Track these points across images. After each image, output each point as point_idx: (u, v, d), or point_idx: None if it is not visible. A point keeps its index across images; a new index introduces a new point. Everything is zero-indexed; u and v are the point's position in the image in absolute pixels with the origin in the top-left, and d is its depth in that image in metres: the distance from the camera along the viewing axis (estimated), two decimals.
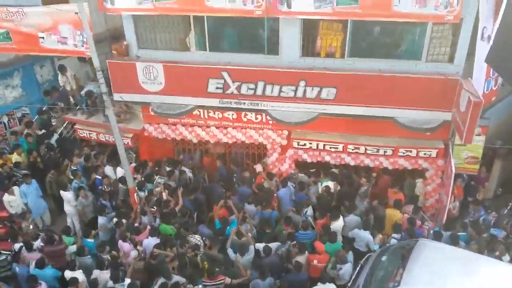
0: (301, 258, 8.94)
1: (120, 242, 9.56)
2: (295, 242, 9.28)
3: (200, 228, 9.99)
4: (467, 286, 7.85)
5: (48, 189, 11.65)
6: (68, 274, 8.85)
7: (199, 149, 12.42)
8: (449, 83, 9.57)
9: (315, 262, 8.87)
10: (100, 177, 11.37)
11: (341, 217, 9.76)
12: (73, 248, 9.64)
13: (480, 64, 8.71)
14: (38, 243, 9.76)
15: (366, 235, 9.52)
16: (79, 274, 8.79)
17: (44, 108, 13.24)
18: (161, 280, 8.45)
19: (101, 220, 10.31)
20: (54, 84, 13.89)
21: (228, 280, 8.47)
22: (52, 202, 11.92)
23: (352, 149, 10.75)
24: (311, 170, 11.36)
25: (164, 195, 10.58)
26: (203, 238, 9.61)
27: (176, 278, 8.48)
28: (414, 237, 9.24)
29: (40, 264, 8.92)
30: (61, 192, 11.02)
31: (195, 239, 9.48)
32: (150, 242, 9.44)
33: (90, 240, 9.87)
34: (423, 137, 10.27)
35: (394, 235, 9.51)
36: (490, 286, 7.87)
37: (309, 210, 10.23)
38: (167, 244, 9.31)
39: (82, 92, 12.53)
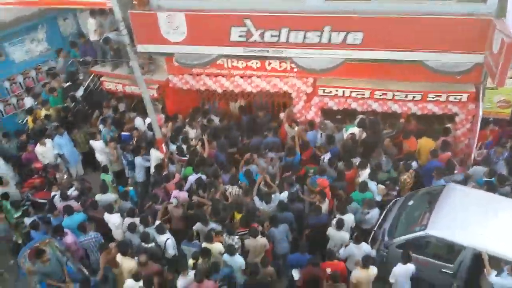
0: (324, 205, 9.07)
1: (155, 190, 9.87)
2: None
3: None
4: (494, 229, 7.90)
5: (78, 146, 11.91)
6: (106, 217, 9.28)
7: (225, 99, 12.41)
8: (481, 23, 9.13)
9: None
10: (127, 133, 11.56)
11: (368, 166, 9.75)
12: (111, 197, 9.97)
13: None
14: (71, 191, 10.19)
15: (372, 185, 9.42)
16: (116, 218, 9.20)
17: (70, 61, 13.40)
18: (198, 225, 8.74)
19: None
20: (78, 37, 13.95)
21: (260, 228, 8.69)
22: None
23: (380, 95, 10.57)
24: (337, 117, 11.27)
25: (199, 148, 10.74)
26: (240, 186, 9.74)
27: (213, 225, 8.76)
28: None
29: (67, 210, 9.35)
30: (91, 141, 11.31)
31: (232, 189, 9.66)
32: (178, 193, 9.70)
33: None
34: (453, 81, 9.97)
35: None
36: None
37: (327, 156, 10.28)
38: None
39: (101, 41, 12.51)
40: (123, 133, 11.65)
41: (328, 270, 7.88)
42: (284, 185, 9.58)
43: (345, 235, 8.56)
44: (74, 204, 9.74)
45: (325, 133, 10.92)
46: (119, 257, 8.42)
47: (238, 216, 9.05)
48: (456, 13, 9.31)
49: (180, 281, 7.92)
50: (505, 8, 8.69)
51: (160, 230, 8.66)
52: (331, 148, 10.49)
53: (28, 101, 13.10)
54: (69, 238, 9.05)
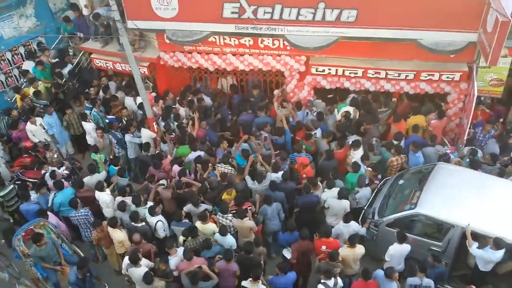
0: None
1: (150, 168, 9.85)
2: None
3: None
4: (483, 208, 7.98)
5: (71, 128, 11.77)
6: (97, 194, 9.27)
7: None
8: (475, 2, 9.04)
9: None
10: (112, 117, 11.48)
11: (361, 146, 9.73)
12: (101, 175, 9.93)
13: None
14: (62, 170, 10.13)
15: (361, 168, 9.35)
16: (106, 196, 9.19)
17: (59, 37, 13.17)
18: (189, 206, 8.76)
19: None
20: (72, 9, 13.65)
21: (253, 208, 8.73)
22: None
23: (373, 74, 10.49)
24: (328, 96, 11.21)
25: (189, 128, 10.67)
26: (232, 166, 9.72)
27: (204, 206, 8.78)
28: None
29: (58, 186, 9.35)
30: (83, 122, 11.21)
31: (223, 167, 9.63)
32: (174, 169, 9.71)
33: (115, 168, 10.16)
34: (447, 59, 9.91)
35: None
36: (505, 206, 7.97)
37: (318, 132, 10.30)
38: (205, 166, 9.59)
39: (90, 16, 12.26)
40: (108, 116, 11.46)
41: (323, 248, 7.93)
42: (277, 161, 9.55)
43: (346, 203, 8.64)
44: (64, 183, 9.68)
45: (312, 111, 10.88)
46: (109, 230, 8.55)
47: (226, 197, 9.02)
48: None
49: (172, 261, 7.96)
50: None
51: (152, 212, 8.65)
52: (320, 124, 10.50)
53: (28, 65, 12.84)
54: (52, 219, 9.05)
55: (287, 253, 8.33)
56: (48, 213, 9.08)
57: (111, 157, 10.82)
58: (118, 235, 8.51)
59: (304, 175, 9.35)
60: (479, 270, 7.73)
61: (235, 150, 10.17)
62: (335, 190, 8.71)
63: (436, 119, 10.21)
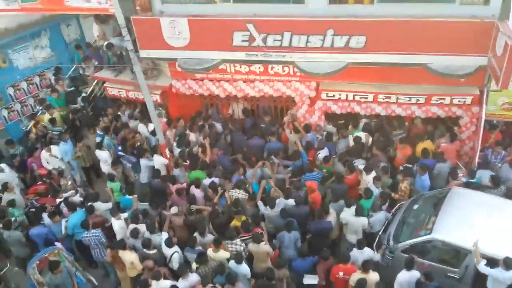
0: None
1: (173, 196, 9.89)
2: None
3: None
4: (499, 233, 7.85)
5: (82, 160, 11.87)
6: (112, 221, 9.38)
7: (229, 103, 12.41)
8: (484, 26, 9.12)
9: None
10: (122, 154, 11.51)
11: (373, 170, 9.70)
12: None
13: None
14: (77, 198, 10.21)
15: (374, 191, 9.33)
16: (118, 222, 9.25)
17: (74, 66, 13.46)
18: (196, 235, 8.76)
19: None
20: (81, 43, 14.01)
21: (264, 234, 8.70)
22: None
23: (383, 99, 10.52)
24: (340, 122, 11.25)
25: (200, 155, 10.76)
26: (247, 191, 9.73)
27: (210, 236, 8.78)
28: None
29: (70, 207, 9.62)
30: (97, 151, 11.32)
31: (237, 193, 9.64)
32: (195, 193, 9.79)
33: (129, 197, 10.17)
34: (457, 83, 9.92)
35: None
36: None
37: (322, 153, 10.36)
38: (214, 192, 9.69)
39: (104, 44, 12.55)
40: (118, 146, 11.57)
41: (341, 274, 7.86)
42: (290, 189, 9.54)
43: (364, 220, 8.71)
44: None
45: (322, 135, 10.94)
46: (120, 252, 8.61)
47: (236, 223, 8.99)
48: (460, 16, 9.31)
49: (180, 284, 7.92)
50: (508, 11, 8.66)
51: (169, 243, 8.63)
52: (328, 144, 10.61)
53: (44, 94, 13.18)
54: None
55: (310, 280, 8.26)
56: (56, 243, 9.12)
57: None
58: (129, 256, 8.56)
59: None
60: None
61: (251, 176, 10.12)
62: (353, 209, 8.76)
63: (446, 143, 10.13)
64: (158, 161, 10.73)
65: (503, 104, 10.15)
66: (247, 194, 9.60)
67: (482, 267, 7.44)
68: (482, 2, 9.24)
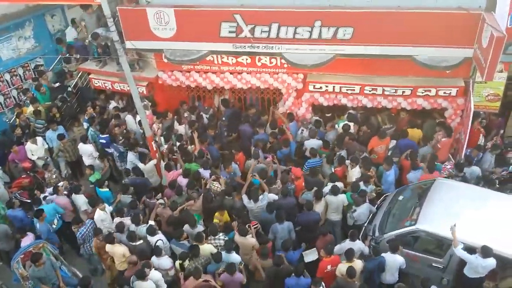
0: (316, 206, 9.04)
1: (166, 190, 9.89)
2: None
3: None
4: (483, 223, 7.94)
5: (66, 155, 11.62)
6: (97, 213, 9.27)
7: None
8: (471, 18, 9.16)
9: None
10: (106, 136, 11.30)
11: (357, 165, 9.71)
12: None
13: None
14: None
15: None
16: (102, 214, 9.18)
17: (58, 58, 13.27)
18: (186, 227, 8.76)
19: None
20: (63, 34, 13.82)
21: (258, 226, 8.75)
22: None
23: (370, 91, 10.56)
24: (327, 115, 11.27)
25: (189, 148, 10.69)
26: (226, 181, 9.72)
27: (200, 227, 8.76)
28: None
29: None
30: (80, 145, 11.11)
31: (216, 186, 9.64)
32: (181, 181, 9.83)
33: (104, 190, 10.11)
34: (443, 75, 9.99)
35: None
36: (505, 221, 7.95)
37: (313, 142, 10.53)
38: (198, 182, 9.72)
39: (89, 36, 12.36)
40: (102, 136, 11.33)
41: (329, 267, 7.90)
42: (279, 183, 9.53)
43: (343, 197, 9.00)
44: (64, 200, 9.77)
45: (307, 128, 10.97)
46: (108, 247, 8.53)
47: (218, 216, 8.98)
48: (446, 8, 9.33)
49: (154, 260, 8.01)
50: (495, 2, 8.70)
51: (151, 232, 8.59)
52: (319, 132, 10.75)
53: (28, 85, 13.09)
54: (28, 239, 9.08)
55: (310, 257, 8.38)
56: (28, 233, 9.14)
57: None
58: (119, 249, 8.49)
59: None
60: (468, 278, 7.66)
61: (248, 175, 9.91)
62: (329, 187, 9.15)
63: (445, 137, 10.11)
64: (147, 168, 10.55)
65: (488, 95, 10.25)
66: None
67: (459, 251, 7.51)
68: None
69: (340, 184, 9.37)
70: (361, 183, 9.21)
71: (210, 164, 10.17)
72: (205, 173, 9.94)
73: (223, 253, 8.10)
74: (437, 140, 10.14)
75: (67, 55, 13.29)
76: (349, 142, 10.32)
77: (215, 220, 9.03)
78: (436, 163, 9.68)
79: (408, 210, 8.62)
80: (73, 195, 9.86)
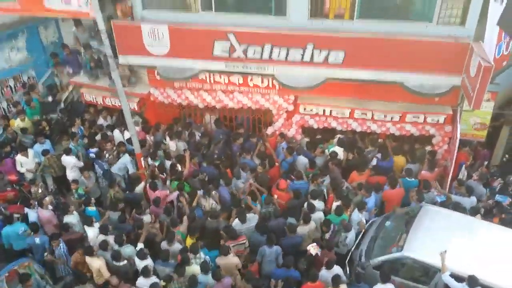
0: (303, 229, 9.01)
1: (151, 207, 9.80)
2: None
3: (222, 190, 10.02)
4: (469, 251, 7.95)
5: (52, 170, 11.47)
6: (86, 229, 9.23)
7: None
8: (460, 46, 9.34)
9: None
10: (93, 150, 11.25)
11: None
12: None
13: (492, 27, 8.47)
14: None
15: (355, 216, 9.25)
16: (92, 232, 9.07)
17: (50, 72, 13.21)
18: (163, 244, 8.67)
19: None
20: (59, 46, 13.74)
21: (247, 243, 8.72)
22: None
23: (359, 115, 10.66)
24: (317, 137, 11.32)
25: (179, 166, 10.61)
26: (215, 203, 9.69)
27: (177, 245, 8.66)
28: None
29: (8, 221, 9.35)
30: (62, 157, 10.97)
31: (210, 204, 9.59)
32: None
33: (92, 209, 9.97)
34: (431, 102, 10.12)
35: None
36: (491, 250, 7.98)
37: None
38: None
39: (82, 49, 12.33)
40: (91, 150, 11.26)
41: None
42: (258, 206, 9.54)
43: (319, 214, 9.21)
44: (48, 214, 9.64)
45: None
46: (87, 259, 8.49)
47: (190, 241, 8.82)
48: (436, 36, 9.50)
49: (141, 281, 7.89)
50: (483, 32, 8.87)
51: (141, 256, 8.44)
52: (306, 152, 10.80)
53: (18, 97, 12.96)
54: None
55: (312, 250, 8.50)
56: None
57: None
58: (96, 262, 8.42)
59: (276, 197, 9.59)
60: None
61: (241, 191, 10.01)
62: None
63: (426, 170, 10.16)
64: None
65: (475, 124, 10.39)
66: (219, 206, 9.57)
67: (447, 277, 7.50)
68: (458, 23, 9.48)
69: (319, 204, 9.38)
70: (356, 210, 9.19)
71: (206, 183, 10.10)
72: (200, 192, 9.88)
73: (201, 276, 7.99)
74: (419, 170, 10.24)
75: (52, 62, 13.26)
76: (333, 168, 10.32)
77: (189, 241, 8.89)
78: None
79: (395, 236, 8.61)
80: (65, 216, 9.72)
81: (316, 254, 8.56)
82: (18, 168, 11.12)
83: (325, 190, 10.00)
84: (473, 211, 9.01)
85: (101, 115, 12.53)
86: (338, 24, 9.97)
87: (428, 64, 9.67)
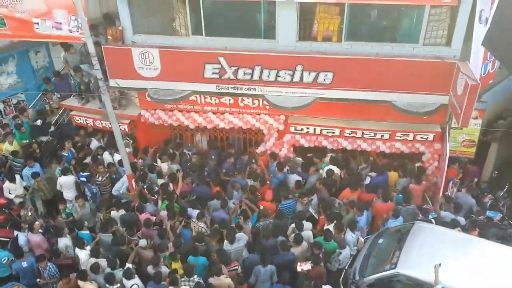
0: (296, 249, 8.94)
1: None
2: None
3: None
4: (462, 268, 7.96)
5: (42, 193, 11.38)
6: (77, 251, 9.10)
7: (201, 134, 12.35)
8: (446, 66, 9.55)
9: None
10: (85, 174, 11.08)
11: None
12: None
13: (478, 47, 8.65)
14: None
15: (349, 236, 9.23)
16: (84, 255, 8.93)
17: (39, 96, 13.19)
18: (149, 268, 8.56)
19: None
20: (50, 71, 13.77)
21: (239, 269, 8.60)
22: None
23: (349, 134, 10.78)
24: (308, 155, 11.37)
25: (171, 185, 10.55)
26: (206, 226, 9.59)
27: (164, 268, 8.56)
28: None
29: None
30: (59, 179, 10.93)
31: (200, 226, 9.48)
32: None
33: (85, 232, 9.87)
34: (420, 120, 10.27)
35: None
36: (484, 267, 7.99)
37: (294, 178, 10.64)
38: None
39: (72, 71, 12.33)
40: (82, 174, 11.12)
41: None
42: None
43: (308, 233, 9.15)
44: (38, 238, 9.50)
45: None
46: (80, 283, 8.33)
47: (175, 265, 8.73)
48: (423, 56, 9.72)
49: None
50: (469, 52, 9.07)
51: (128, 275, 8.32)
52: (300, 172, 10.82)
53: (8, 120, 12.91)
54: None
55: (304, 266, 8.32)
56: None
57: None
58: (89, 287, 8.26)
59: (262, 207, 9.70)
60: None
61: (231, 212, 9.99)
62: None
63: (413, 184, 10.29)
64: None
65: (463, 141, 10.54)
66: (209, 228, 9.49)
67: None
68: (444, 43, 9.73)
69: (307, 224, 9.37)
70: (349, 231, 9.18)
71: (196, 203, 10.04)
72: (193, 212, 9.78)
73: None
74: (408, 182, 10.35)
75: (43, 85, 13.26)
76: (320, 187, 10.33)
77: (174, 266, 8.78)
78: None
79: (388, 253, 8.61)
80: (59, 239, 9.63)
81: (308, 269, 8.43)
82: (7, 194, 10.98)
83: (311, 210, 9.94)
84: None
85: (96, 137, 12.52)
86: (327, 46, 10.15)
87: (416, 83, 9.86)
